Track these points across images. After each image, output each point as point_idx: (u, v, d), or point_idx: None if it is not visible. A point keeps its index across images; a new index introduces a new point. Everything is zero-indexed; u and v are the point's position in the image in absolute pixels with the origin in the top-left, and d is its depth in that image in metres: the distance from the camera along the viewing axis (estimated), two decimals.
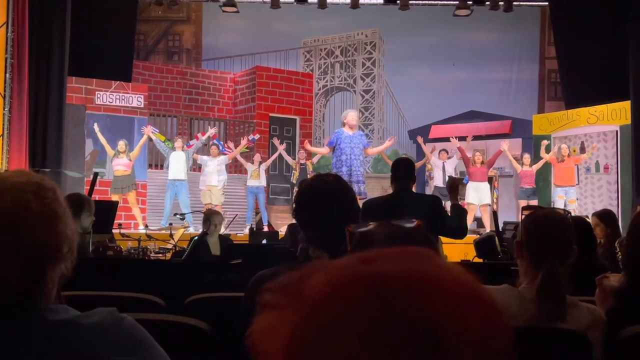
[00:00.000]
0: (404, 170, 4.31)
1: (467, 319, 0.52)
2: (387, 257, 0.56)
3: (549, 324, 1.95)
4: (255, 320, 0.56)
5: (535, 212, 2.16)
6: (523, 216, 2.12)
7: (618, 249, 3.36)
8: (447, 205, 4.79)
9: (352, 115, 9.36)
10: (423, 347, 0.50)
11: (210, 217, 6.79)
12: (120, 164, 10.42)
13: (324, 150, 10.02)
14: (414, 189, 4.64)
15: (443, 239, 4.77)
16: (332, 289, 0.53)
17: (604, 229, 4.98)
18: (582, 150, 11.39)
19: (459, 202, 4.37)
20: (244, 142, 11.38)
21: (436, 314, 0.51)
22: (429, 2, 11.74)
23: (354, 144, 9.13)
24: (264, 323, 0.54)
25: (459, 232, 4.27)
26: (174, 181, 10.64)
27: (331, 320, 0.51)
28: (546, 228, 2.04)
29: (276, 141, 11.67)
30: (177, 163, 10.64)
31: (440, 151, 12.12)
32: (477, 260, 6.33)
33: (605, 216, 5.20)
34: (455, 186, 4.35)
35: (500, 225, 7.83)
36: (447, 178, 10.82)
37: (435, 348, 0.50)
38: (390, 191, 4.43)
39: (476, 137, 14.03)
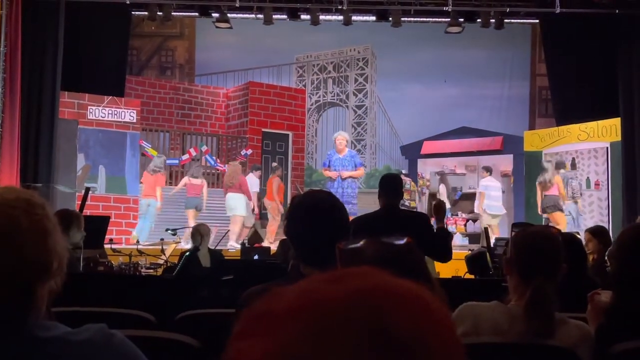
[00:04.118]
0: (392, 187, 4.27)
1: (433, 327, 0.54)
2: (351, 276, 0.57)
3: (538, 340, 1.95)
4: (226, 350, 0.56)
5: (524, 230, 2.17)
6: (513, 233, 2.14)
7: (608, 262, 3.38)
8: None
9: (339, 140, 9.60)
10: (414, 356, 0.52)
11: (197, 229, 6.85)
12: None
13: (328, 172, 10.10)
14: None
15: None
16: (314, 310, 0.53)
17: (597, 244, 5.03)
18: (573, 166, 11.45)
19: (445, 225, 4.32)
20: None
21: (415, 323, 0.53)
22: (421, 19, 11.82)
23: (342, 166, 9.38)
24: (237, 353, 0.54)
25: (445, 255, 4.20)
26: None
27: (320, 340, 0.51)
28: (535, 245, 2.06)
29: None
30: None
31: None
32: (468, 276, 6.34)
33: (598, 232, 5.26)
34: (440, 208, 4.32)
35: (492, 241, 7.85)
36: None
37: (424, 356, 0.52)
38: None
39: (468, 154, 14.10)
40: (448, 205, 11.66)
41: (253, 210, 11.36)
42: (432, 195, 10.85)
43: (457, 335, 0.56)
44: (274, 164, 12.32)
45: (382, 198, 4.23)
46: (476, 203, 11.82)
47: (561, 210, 10.62)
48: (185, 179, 11.47)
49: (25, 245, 1.15)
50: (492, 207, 11.50)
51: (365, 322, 0.52)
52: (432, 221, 4.42)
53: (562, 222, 10.45)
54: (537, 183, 11.02)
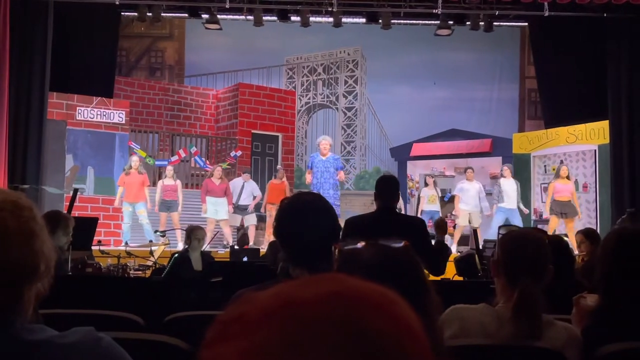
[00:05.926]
0: (389, 189, 4.14)
1: (406, 329, 0.55)
2: (324, 280, 0.57)
3: (525, 342, 1.96)
4: (201, 356, 0.56)
5: (510, 232, 2.19)
6: (500, 235, 2.15)
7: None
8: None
9: (323, 144, 9.79)
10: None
11: (191, 232, 6.76)
12: None
13: (308, 176, 10.24)
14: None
15: None
16: (289, 311, 0.54)
17: (589, 246, 5.07)
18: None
19: (444, 241, 4.21)
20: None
21: (390, 325, 0.54)
22: (411, 21, 11.86)
23: (325, 168, 9.57)
24: (214, 358, 0.54)
25: (437, 268, 4.03)
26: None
27: (296, 340, 0.52)
28: (521, 247, 2.07)
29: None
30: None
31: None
32: (457, 278, 6.36)
33: (590, 234, 5.33)
34: (442, 225, 4.24)
35: (481, 243, 7.88)
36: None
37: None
38: (371, 208, 4.37)
39: (457, 156, 14.14)
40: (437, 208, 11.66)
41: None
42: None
43: (427, 340, 0.57)
44: (279, 167, 12.26)
45: (377, 200, 4.12)
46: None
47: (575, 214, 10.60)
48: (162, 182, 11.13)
49: (12, 248, 1.14)
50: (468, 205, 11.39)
51: (341, 323, 0.53)
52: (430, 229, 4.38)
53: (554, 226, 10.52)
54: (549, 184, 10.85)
